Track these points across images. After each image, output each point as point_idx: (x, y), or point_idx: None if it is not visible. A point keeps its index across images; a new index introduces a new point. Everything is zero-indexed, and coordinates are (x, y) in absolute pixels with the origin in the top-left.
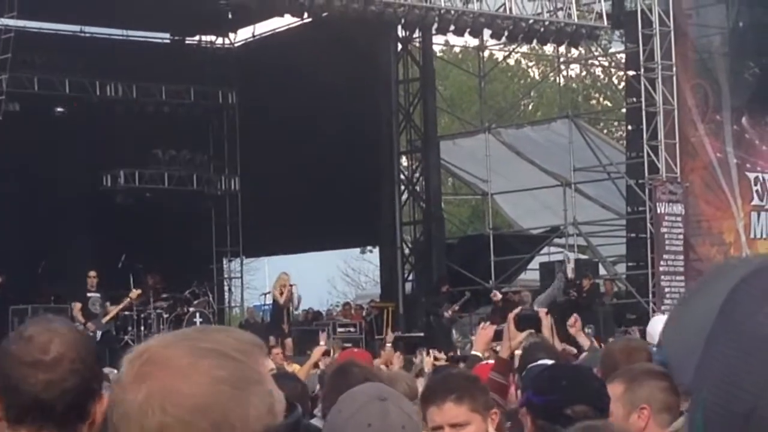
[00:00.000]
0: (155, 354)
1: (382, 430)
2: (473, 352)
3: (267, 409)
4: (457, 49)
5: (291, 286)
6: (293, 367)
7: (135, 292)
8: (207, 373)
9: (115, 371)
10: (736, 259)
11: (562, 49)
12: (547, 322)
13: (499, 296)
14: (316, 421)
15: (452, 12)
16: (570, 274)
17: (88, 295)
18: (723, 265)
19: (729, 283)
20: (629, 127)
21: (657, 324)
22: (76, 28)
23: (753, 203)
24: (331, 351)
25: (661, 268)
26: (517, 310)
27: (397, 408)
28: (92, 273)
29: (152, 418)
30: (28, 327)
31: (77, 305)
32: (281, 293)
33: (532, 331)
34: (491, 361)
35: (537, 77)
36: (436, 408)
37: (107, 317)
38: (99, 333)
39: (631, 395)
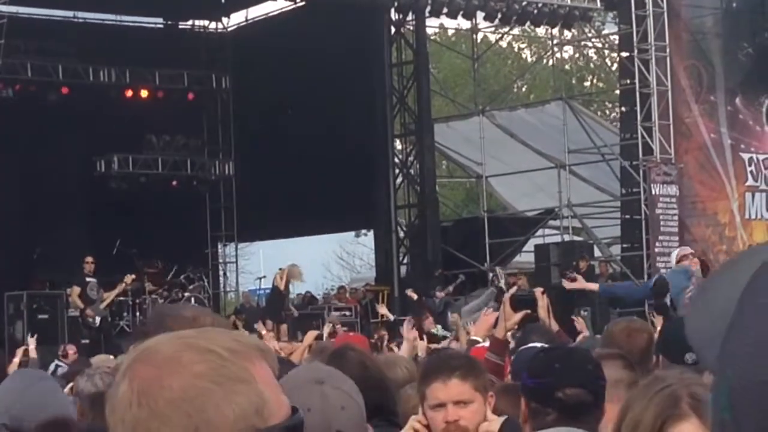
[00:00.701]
0: (143, 350)
1: (321, 413)
2: (473, 337)
3: (254, 410)
4: (450, 32)
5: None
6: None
7: (130, 277)
8: (186, 368)
9: (111, 357)
10: (760, 245)
11: (555, 30)
12: (543, 302)
13: (415, 296)
14: None
15: None
16: (503, 287)
17: (87, 280)
18: (746, 251)
19: (752, 267)
20: (623, 109)
21: None
22: (69, 13)
23: (747, 184)
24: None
25: (656, 250)
26: (513, 290)
27: (336, 390)
28: (89, 258)
29: (130, 411)
30: (185, 308)
31: (76, 290)
32: (282, 278)
33: (529, 311)
34: (486, 344)
35: (530, 59)
36: (440, 384)
37: (104, 303)
38: (98, 319)
39: None
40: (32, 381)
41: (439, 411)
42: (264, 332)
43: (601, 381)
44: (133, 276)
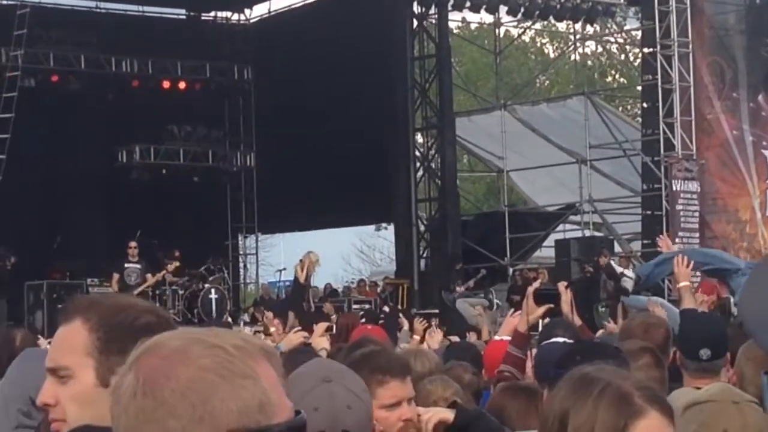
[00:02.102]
0: (150, 344)
1: (329, 413)
2: (497, 337)
3: (258, 406)
4: (473, 26)
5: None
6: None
7: (173, 265)
8: (193, 360)
9: None
10: None
11: (577, 26)
12: (566, 297)
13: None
14: None
15: None
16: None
17: (126, 265)
18: None
19: None
20: (645, 105)
21: None
22: (91, 3)
23: None
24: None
25: (676, 246)
26: (536, 284)
27: (343, 388)
28: (132, 243)
29: (135, 401)
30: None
31: (115, 276)
32: (302, 269)
33: (551, 305)
34: (505, 338)
35: (552, 54)
36: (398, 382)
37: (138, 290)
38: None
39: None
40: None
41: (394, 410)
42: (273, 329)
43: None
44: (177, 264)
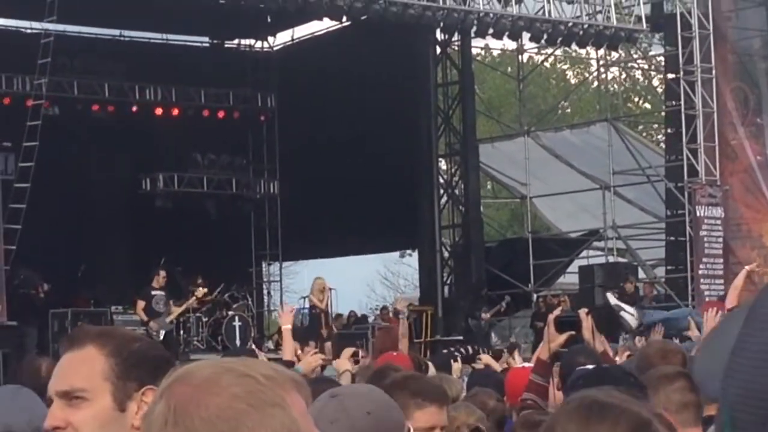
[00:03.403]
0: (182, 372)
1: (347, 423)
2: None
3: None
4: (495, 53)
5: (330, 289)
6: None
7: (201, 291)
8: (224, 389)
9: None
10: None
11: (601, 52)
12: (588, 324)
13: None
14: None
15: (491, 15)
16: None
17: (152, 293)
18: (751, 299)
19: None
20: (668, 130)
21: None
22: (115, 31)
23: None
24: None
25: (700, 272)
26: (557, 312)
27: (355, 399)
28: (162, 272)
29: (166, 430)
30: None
31: (140, 303)
32: (318, 298)
33: (573, 332)
34: (526, 365)
35: (574, 80)
36: (436, 408)
37: (171, 316)
38: (162, 332)
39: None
40: (15, 390)
41: None
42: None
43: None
44: (205, 290)
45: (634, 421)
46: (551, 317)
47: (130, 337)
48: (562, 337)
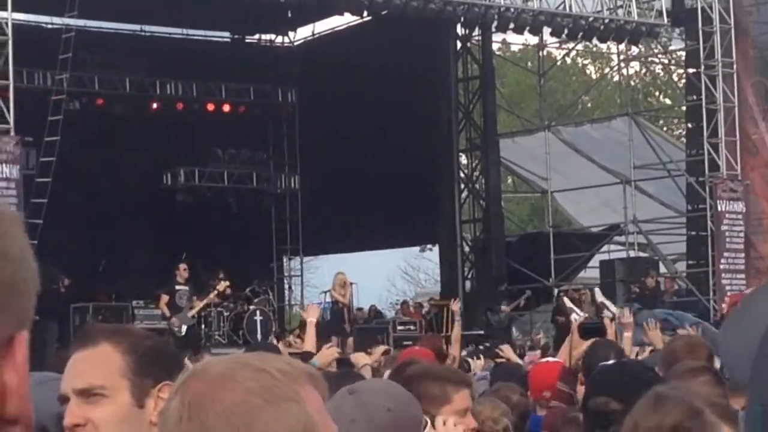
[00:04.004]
0: (198, 367)
1: (367, 419)
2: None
3: (301, 430)
4: (515, 48)
5: (351, 284)
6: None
7: (223, 284)
8: (239, 384)
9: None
10: None
11: (621, 46)
12: (611, 330)
13: None
14: None
15: (512, 10)
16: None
17: (177, 287)
18: None
19: None
20: (689, 125)
21: None
22: (136, 27)
23: None
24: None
25: (721, 266)
26: (581, 320)
27: (373, 395)
28: (182, 266)
29: (181, 425)
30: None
31: (163, 298)
32: (340, 293)
33: (597, 339)
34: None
35: (595, 75)
36: (467, 390)
37: (193, 311)
38: (184, 327)
39: None
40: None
41: (465, 417)
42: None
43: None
44: (227, 283)
45: (687, 409)
46: (575, 324)
47: (142, 334)
48: (586, 344)
